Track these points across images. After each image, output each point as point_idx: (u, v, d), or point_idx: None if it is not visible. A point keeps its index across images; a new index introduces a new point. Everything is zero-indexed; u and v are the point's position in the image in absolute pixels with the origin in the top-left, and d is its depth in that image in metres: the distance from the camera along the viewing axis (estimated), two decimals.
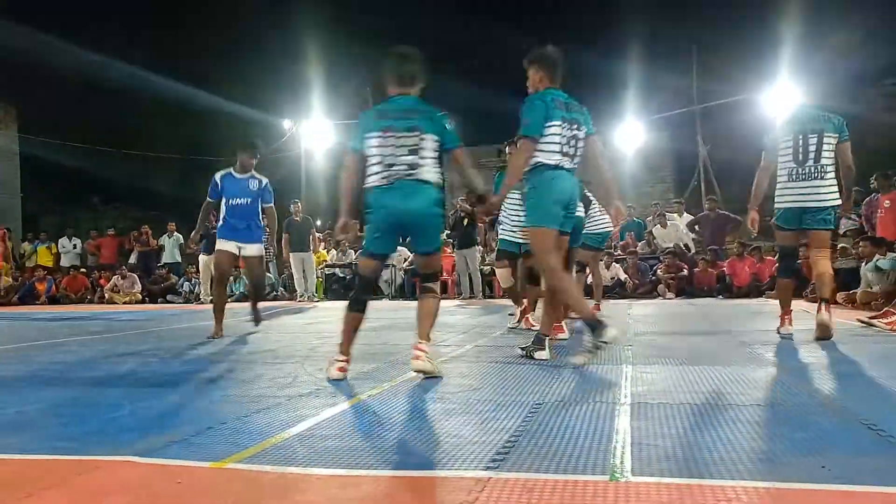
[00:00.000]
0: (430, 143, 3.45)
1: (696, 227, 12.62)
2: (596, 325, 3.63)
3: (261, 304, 6.42)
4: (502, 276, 6.33)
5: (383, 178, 3.40)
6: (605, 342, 3.62)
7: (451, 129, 3.57)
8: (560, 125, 3.80)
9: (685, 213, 13.37)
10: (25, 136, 20.15)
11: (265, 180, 6.00)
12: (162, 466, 2.06)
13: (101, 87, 23.11)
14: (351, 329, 3.53)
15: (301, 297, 12.58)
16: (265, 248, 6.91)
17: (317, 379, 3.52)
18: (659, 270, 11.50)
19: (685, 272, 11.35)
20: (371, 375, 3.61)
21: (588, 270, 7.14)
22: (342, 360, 3.48)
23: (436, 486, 1.80)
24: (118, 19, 24.72)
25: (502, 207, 5.64)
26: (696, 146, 19.28)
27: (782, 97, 14.62)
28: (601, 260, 10.85)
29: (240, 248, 5.89)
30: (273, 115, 21.09)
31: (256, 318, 6.27)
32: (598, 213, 6.28)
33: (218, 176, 5.88)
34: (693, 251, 12.20)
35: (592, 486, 1.75)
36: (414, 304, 6.20)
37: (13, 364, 4.64)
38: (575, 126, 3.86)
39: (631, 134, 19.36)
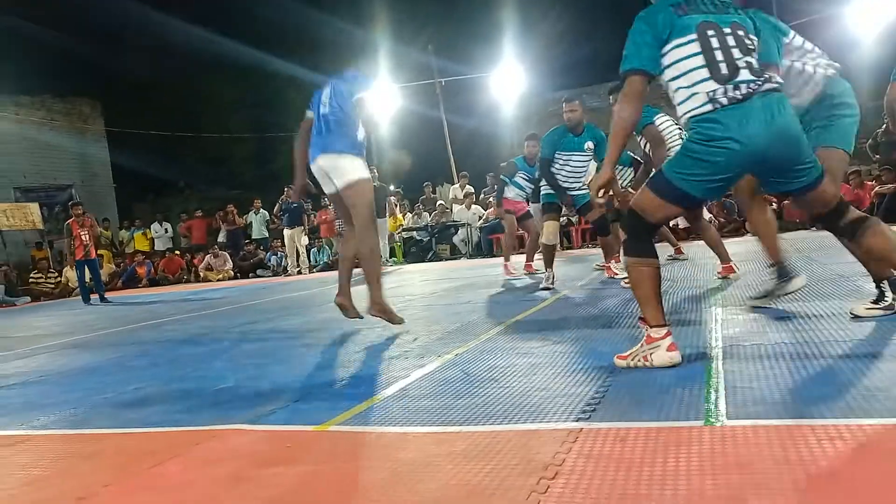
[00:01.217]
0: (756, 45, 2.43)
1: None
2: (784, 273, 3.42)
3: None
4: (550, 231, 5.65)
5: (726, 95, 2.26)
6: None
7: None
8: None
9: None
10: (111, 129, 21.21)
11: None
12: (270, 432, 2.21)
13: (170, 70, 23.97)
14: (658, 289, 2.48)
15: None
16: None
17: (404, 341, 3.62)
18: None
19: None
20: (456, 334, 3.67)
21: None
22: (665, 334, 2.46)
23: (529, 438, 1.84)
24: None
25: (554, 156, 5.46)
26: None
27: (869, 8, 13.42)
28: None
29: None
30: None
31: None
32: None
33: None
34: None
35: (687, 432, 1.75)
36: (491, 261, 6.09)
37: (126, 344, 5.00)
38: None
39: None
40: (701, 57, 2.31)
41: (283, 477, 1.77)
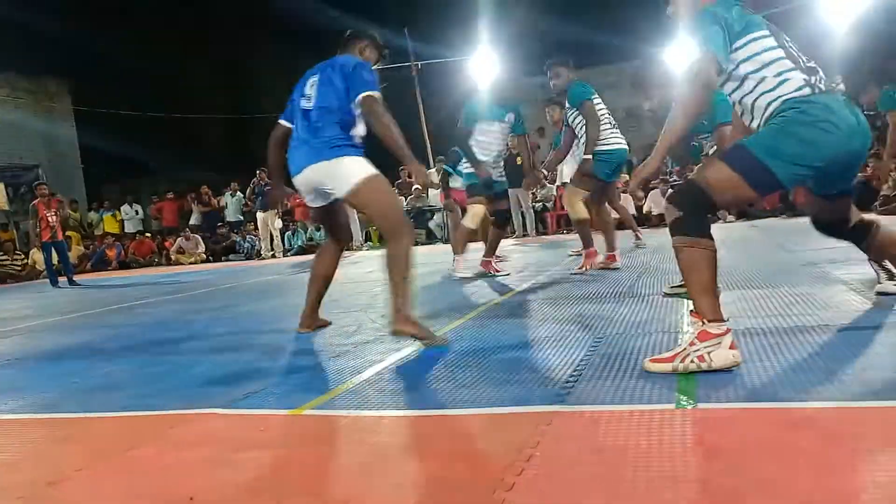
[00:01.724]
0: None
1: None
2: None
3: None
4: (475, 214, 5.51)
5: (818, 84, 2.23)
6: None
7: None
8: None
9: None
10: (79, 108, 20.73)
11: None
12: (244, 416, 2.20)
13: (145, 51, 23.49)
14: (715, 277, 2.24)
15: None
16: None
17: (380, 326, 3.62)
18: None
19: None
20: (431, 319, 3.68)
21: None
22: (725, 330, 2.14)
23: (504, 422, 1.86)
24: None
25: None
26: None
27: None
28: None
29: None
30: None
31: None
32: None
33: None
34: None
35: (659, 415, 1.78)
36: (469, 245, 6.09)
37: (96, 328, 4.93)
38: None
39: (684, 52, 18.50)
40: (781, 50, 2.25)
41: (258, 461, 1.76)
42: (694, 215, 2.21)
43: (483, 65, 16.71)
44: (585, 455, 1.57)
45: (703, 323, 2.14)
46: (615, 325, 3.01)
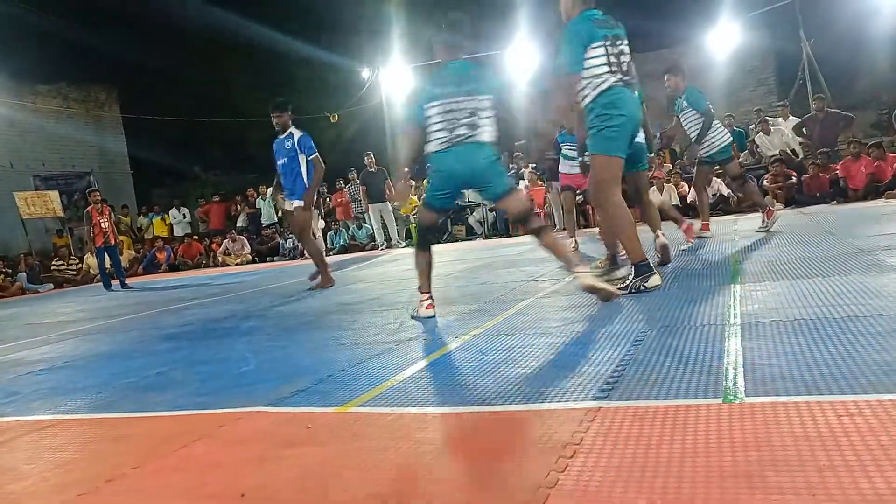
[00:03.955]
0: (486, 103, 3.58)
1: (804, 129, 11.73)
2: (644, 270, 3.75)
3: (349, 256, 6.72)
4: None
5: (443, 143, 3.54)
6: (645, 287, 3.72)
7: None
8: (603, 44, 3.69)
9: (790, 117, 12.41)
10: (127, 115, 21.33)
11: (298, 134, 6.20)
12: (291, 414, 2.24)
13: (184, 55, 23.96)
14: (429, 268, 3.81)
15: (381, 246, 12.93)
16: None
17: (423, 323, 3.64)
18: (765, 181, 10.85)
19: (793, 179, 10.67)
20: (473, 315, 3.69)
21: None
22: (428, 297, 3.76)
23: (547, 418, 1.85)
24: None
25: None
26: (798, 42, 17.74)
27: None
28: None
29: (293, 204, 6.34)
30: (351, 60, 21.08)
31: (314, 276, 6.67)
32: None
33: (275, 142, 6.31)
34: (802, 156, 11.40)
35: (705, 410, 1.75)
36: (508, 241, 6.07)
37: (148, 328, 5.08)
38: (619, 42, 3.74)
39: (726, 36, 18.01)
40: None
41: (306, 457, 1.80)
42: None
43: (520, 58, 16.57)
44: (630, 451, 1.55)
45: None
46: (659, 319, 2.97)
